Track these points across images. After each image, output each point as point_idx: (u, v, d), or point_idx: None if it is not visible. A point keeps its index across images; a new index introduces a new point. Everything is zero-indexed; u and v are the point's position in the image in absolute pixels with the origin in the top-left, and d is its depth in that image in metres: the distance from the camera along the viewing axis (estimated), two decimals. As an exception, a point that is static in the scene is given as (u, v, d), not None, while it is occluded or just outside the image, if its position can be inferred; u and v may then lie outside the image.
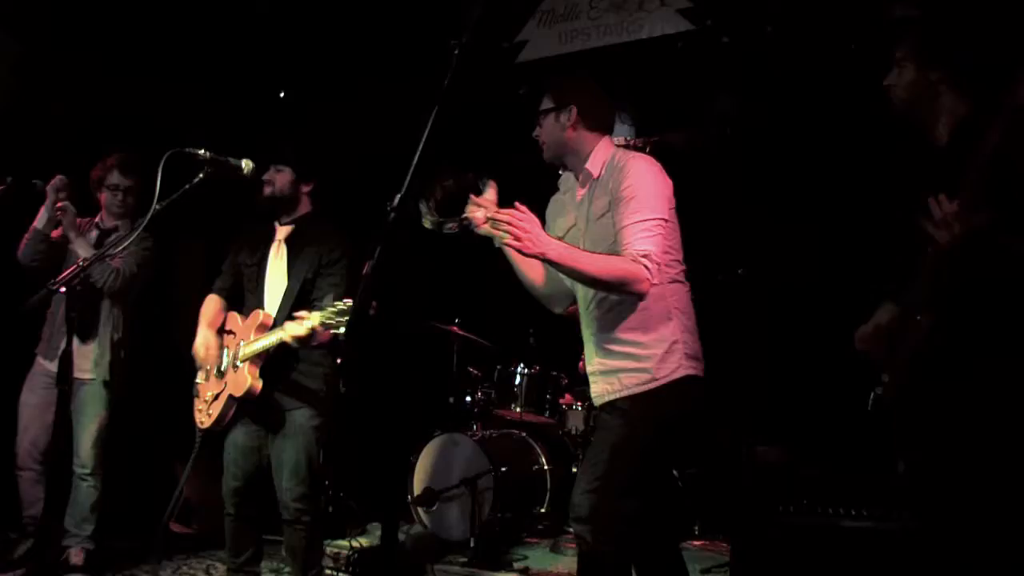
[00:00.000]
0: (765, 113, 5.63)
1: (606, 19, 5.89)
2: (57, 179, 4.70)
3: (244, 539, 4.14)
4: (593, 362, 3.26)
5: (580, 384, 6.21)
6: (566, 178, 3.41)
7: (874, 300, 3.18)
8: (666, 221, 3.07)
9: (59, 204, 4.68)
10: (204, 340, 4.13)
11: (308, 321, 3.68)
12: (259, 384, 3.93)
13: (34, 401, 4.84)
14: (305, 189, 4.21)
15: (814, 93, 5.40)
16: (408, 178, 2.11)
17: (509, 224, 2.82)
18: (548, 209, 3.44)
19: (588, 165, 3.23)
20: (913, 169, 3.04)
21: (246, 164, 3.72)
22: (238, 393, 3.95)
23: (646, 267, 2.94)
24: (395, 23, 6.27)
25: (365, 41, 6.43)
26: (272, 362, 3.97)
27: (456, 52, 2.21)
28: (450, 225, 3.14)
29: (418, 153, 2.11)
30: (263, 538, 4.24)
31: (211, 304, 4.27)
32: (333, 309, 3.61)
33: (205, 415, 4.09)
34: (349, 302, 3.61)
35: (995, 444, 2.68)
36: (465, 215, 3.12)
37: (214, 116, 6.24)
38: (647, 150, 5.48)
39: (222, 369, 4.08)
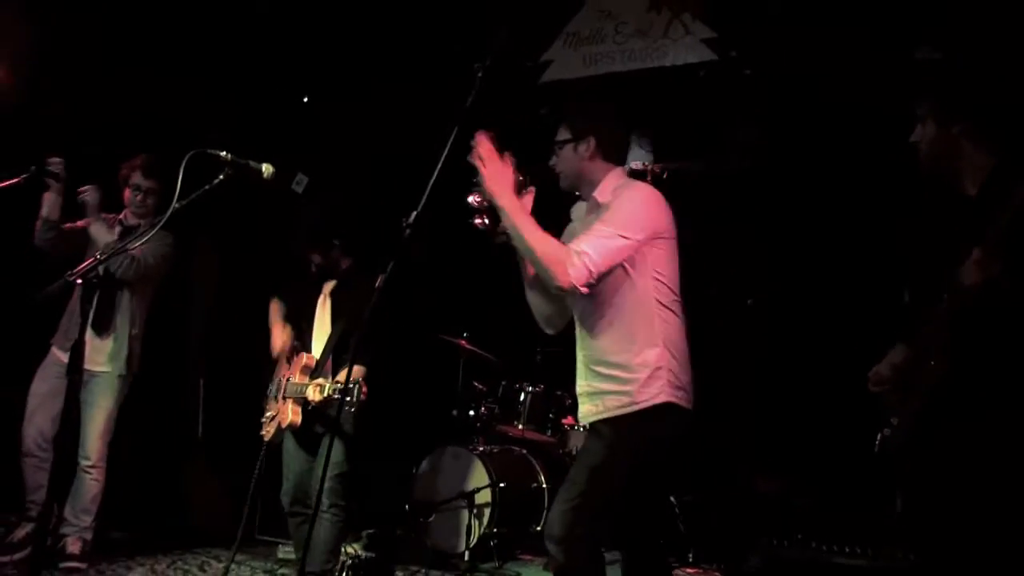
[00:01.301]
0: (783, 147, 5.66)
1: (631, 44, 5.93)
2: (55, 161, 4.72)
3: (301, 536, 4.45)
4: (581, 384, 3.28)
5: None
6: (578, 207, 3.43)
7: (886, 340, 3.20)
8: (628, 240, 3.03)
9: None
10: (279, 338, 4.63)
11: (320, 390, 4.17)
12: (299, 419, 4.36)
13: (44, 390, 4.89)
14: (337, 253, 4.59)
15: (833, 130, 5.43)
16: (425, 197, 2.14)
17: (486, 156, 2.95)
18: (563, 237, 3.45)
19: (596, 193, 3.24)
20: (939, 216, 3.06)
21: (266, 168, 3.75)
22: (283, 424, 4.41)
23: (573, 263, 2.93)
24: (420, 33, 6.31)
25: (389, 49, 6.48)
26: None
27: (480, 75, 2.24)
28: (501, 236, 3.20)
29: (436, 173, 2.15)
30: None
31: (275, 307, 4.77)
32: (339, 385, 4.10)
33: (265, 429, 4.58)
34: (353, 379, 3.99)
35: (1002, 492, 2.69)
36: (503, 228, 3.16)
37: (238, 119, 6.31)
38: (664, 176, 5.51)
39: (277, 396, 4.53)
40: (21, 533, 4.86)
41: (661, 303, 3.12)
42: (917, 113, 3.02)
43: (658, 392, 3.05)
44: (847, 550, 3.98)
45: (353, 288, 4.49)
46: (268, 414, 4.58)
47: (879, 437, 3.09)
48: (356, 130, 6.63)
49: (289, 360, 4.59)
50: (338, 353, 4.44)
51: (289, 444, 4.51)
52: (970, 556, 2.77)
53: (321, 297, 4.60)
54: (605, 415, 3.13)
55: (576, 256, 2.94)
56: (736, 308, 5.62)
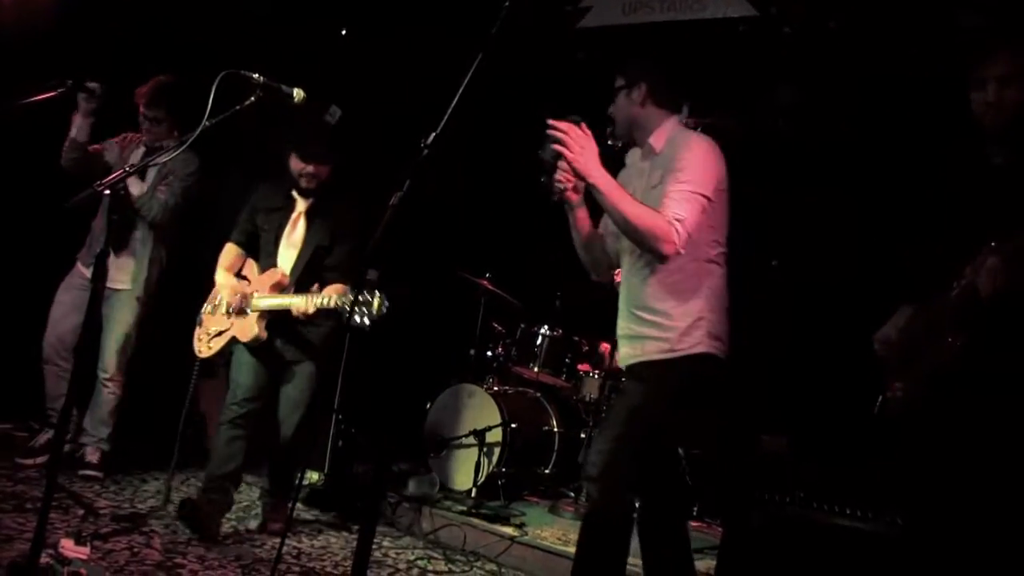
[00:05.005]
0: (818, 108, 5.60)
1: (671, -6, 5.86)
2: (94, 86, 4.80)
3: (231, 451, 4.42)
4: (622, 327, 3.36)
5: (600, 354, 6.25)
6: (632, 152, 3.49)
7: (893, 302, 3.19)
8: (709, 200, 3.10)
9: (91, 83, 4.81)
10: (227, 281, 4.58)
11: (319, 300, 4.19)
12: (265, 334, 4.40)
13: (67, 300, 5.01)
14: (328, 169, 4.58)
15: (869, 93, 5.37)
16: (444, 119, 2.16)
17: (566, 135, 2.94)
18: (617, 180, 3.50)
19: (652, 139, 3.30)
20: (963, 184, 3.03)
21: (297, 93, 3.77)
22: (244, 338, 4.42)
23: (676, 231, 2.99)
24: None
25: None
26: (278, 315, 4.40)
27: (506, 4, 2.25)
28: (555, 188, 3.21)
29: (457, 96, 2.16)
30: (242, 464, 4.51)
31: (230, 252, 4.69)
32: (348, 299, 4.08)
33: (206, 346, 4.58)
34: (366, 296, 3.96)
35: (1015, 470, 2.71)
36: (560, 182, 3.18)
37: (273, 46, 6.30)
38: (697, 130, 5.47)
39: (231, 310, 4.48)
40: (43, 439, 4.99)
41: (709, 254, 3.20)
42: (980, 75, 2.90)
43: (697, 342, 3.16)
44: (848, 512, 3.99)
45: (329, 208, 4.56)
46: (212, 329, 4.56)
47: (880, 399, 3.10)
48: (390, 68, 6.60)
49: (244, 277, 4.61)
50: (308, 272, 4.47)
51: (244, 356, 4.52)
52: (963, 529, 2.79)
53: (295, 214, 4.59)
54: (644, 359, 3.23)
55: (678, 224, 2.99)
56: (760, 268, 5.62)
